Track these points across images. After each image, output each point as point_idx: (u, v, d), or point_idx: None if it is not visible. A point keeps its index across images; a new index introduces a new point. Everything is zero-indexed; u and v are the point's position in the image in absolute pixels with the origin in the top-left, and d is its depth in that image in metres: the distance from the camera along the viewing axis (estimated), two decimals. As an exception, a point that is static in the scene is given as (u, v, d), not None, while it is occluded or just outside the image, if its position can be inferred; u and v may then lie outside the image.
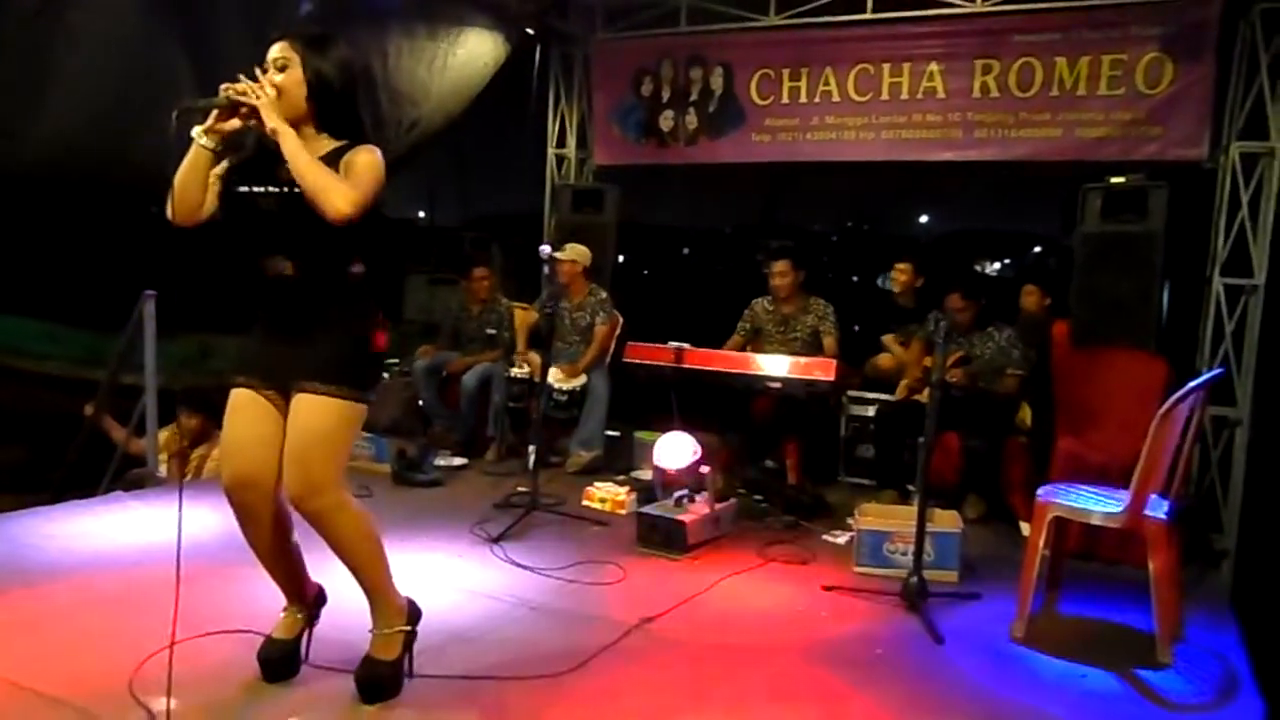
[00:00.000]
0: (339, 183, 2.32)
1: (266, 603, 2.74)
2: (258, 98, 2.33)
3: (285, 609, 2.66)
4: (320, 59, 2.43)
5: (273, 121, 2.32)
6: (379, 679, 2.54)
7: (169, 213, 2.41)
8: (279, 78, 2.39)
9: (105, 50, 4.72)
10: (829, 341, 5.22)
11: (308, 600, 2.68)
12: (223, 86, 2.34)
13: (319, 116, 2.45)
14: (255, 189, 2.41)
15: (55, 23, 4.54)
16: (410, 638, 2.63)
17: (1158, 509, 3.10)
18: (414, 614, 2.66)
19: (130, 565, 3.53)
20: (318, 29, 2.54)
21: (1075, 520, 3.26)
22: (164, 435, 5.38)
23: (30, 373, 8.35)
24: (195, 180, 2.39)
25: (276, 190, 2.39)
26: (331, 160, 2.39)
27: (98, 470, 5.27)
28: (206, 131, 2.36)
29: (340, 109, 2.47)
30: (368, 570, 2.53)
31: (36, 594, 3.21)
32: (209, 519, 4.20)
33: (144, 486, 5.03)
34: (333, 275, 2.45)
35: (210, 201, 2.44)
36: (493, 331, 6.08)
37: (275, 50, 2.42)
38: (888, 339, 5.79)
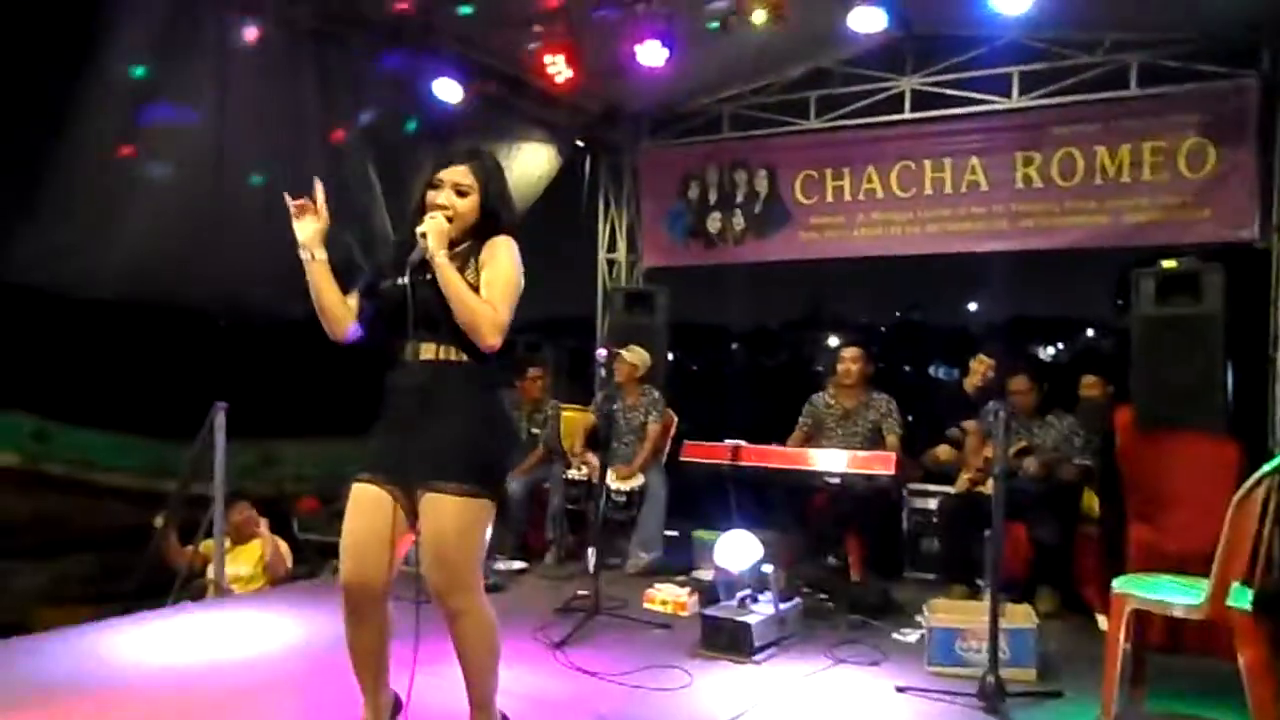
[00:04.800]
0: (485, 310, 2.41)
1: (337, 713, 2.73)
2: (433, 226, 2.44)
3: (363, 718, 2.65)
4: (497, 187, 2.58)
5: (436, 252, 2.42)
6: None
7: (329, 334, 2.53)
8: (460, 202, 2.51)
9: (175, 176, 4.98)
10: (892, 439, 5.17)
11: (385, 707, 2.67)
12: (419, 229, 2.45)
13: (479, 229, 2.57)
14: (419, 277, 2.45)
15: (128, 153, 4.82)
16: None
17: (1241, 599, 2.99)
18: None
19: (197, 678, 3.54)
20: (490, 154, 2.66)
21: (1156, 612, 3.15)
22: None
23: (101, 485, 8.58)
24: (334, 296, 2.53)
25: (430, 278, 2.44)
26: (471, 254, 2.51)
27: (167, 581, 5.34)
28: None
29: (497, 220, 2.59)
30: (480, 681, 2.56)
31: (103, 706, 3.22)
32: (276, 627, 4.27)
33: (209, 597, 5.09)
34: (477, 363, 2.48)
35: (349, 311, 2.55)
36: (536, 431, 6.12)
37: (457, 174, 2.53)
38: (969, 426, 5.50)
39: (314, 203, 2.52)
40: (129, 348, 8.44)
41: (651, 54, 5.54)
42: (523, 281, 2.52)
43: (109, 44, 4.59)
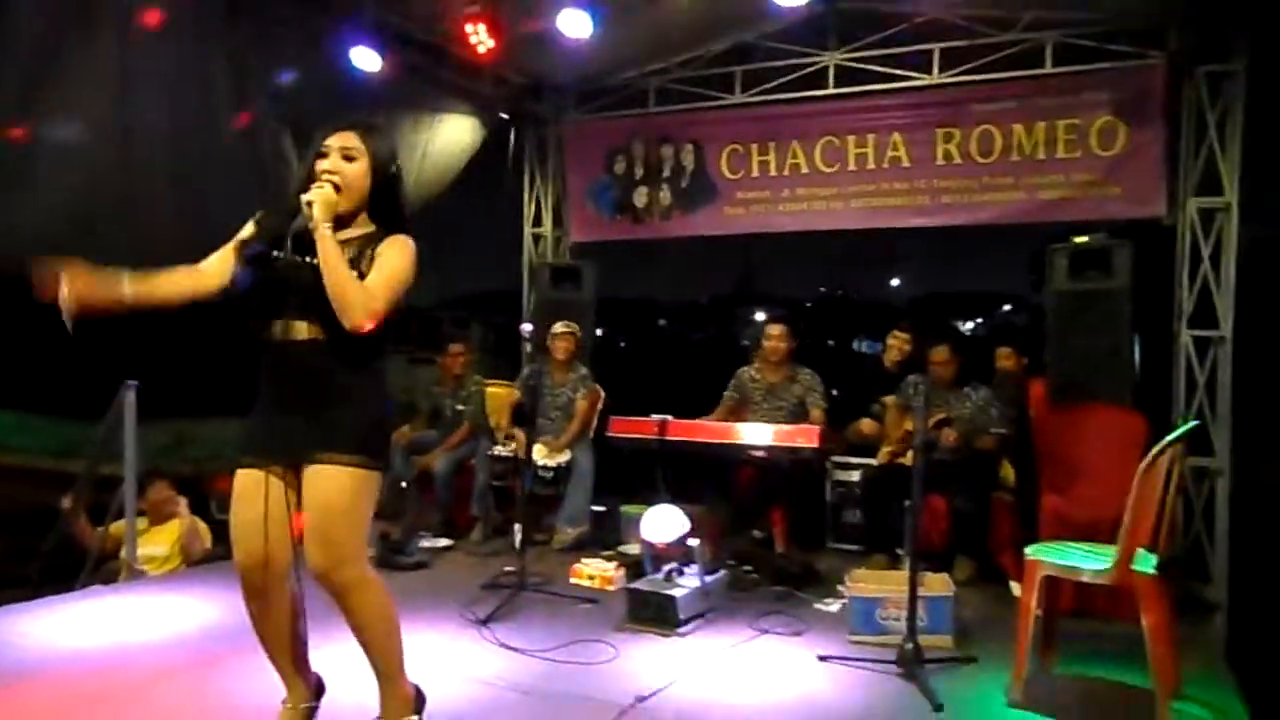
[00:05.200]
0: (361, 294, 2.33)
1: (258, 698, 2.68)
2: (319, 195, 2.34)
3: (284, 703, 2.59)
4: (384, 152, 2.48)
5: (320, 221, 2.32)
6: None
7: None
8: (347, 167, 2.42)
9: (79, 145, 4.77)
10: (816, 413, 5.24)
11: (308, 690, 2.62)
12: (305, 198, 2.35)
13: (374, 206, 2.49)
14: (296, 257, 2.35)
15: (37, 112, 4.60)
16: None
17: (1146, 563, 3.11)
18: (420, 702, 2.62)
19: (110, 662, 3.44)
20: (378, 119, 2.58)
21: (1066, 578, 3.26)
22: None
23: (3, 466, 8.22)
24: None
25: (313, 262, 2.34)
26: (366, 244, 2.43)
27: (75, 564, 5.16)
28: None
29: (394, 200, 2.52)
30: (383, 652, 2.50)
31: (13, 694, 3.11)
32: (193, 609, 4.16)
33: (121, 579, 4.93)
34: (357, 341, 2.39)
35: (225, 270, 2.43)
36: (461, 408, 6.06)
37: (341, 139, 2.44)
38: (889, 401, 5.54)
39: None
40: (29, 323, 8.08)
41: (575, 24, 5.47)
42: (410, 281, 2.44)
43: (10, 7, 4.35)
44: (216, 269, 2.45)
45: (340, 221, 2.41)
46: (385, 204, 2.51)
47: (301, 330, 2.39)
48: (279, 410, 2.43)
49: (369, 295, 2.34)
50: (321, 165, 2.42)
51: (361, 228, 2.49)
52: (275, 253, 2.38)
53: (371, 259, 2.40)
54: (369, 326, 2.32)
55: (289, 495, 2.42)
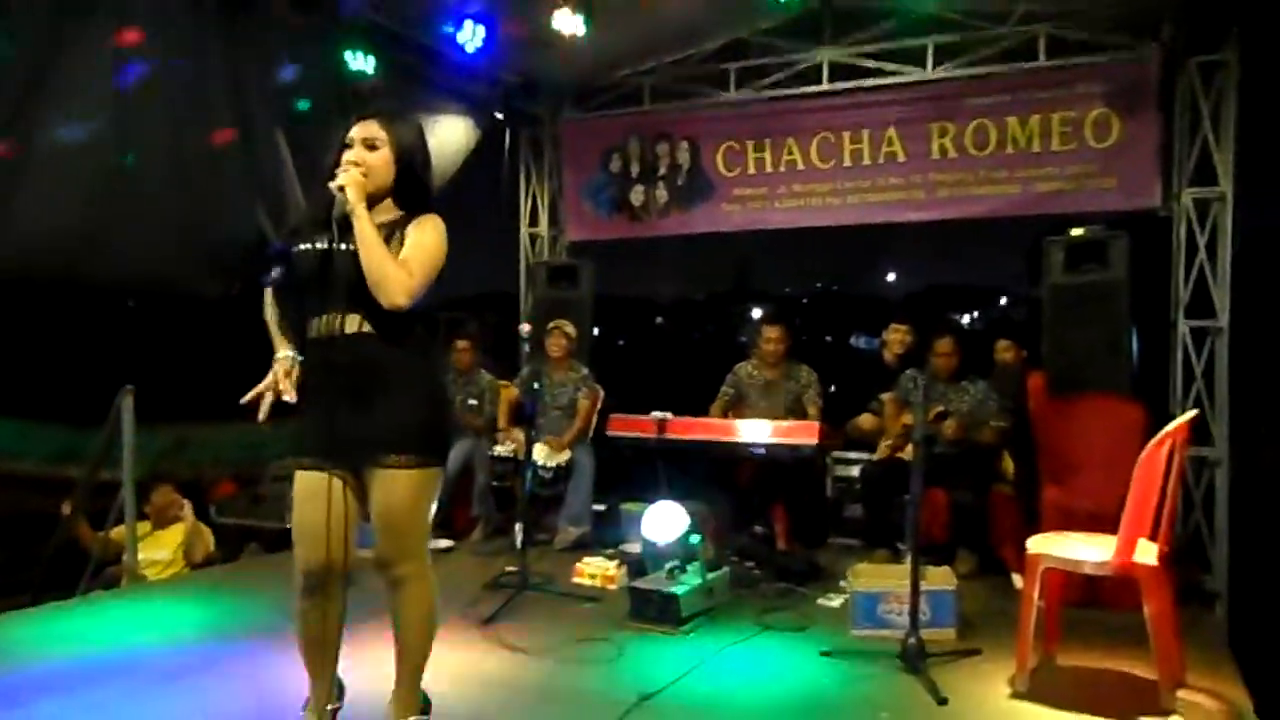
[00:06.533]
0: (398, 271, 2.35)
1: (265, 701, 2.68)
2: (349, 178, 2.38)
3: (307, 707, 2.59)
4: (407, 138, 2.51)
5: (355, 203, 2.36)
6: None
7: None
8: (370, 156, 2.45)
9: (78, 152, 4.76)
10: (813, 410, 5.25)
11: (333, 691, 2.62)
12: (335, 183, 2.38)
13: (398, 191, 2.51)
14: (339, 246, 2.39)
15: (27, 126, 4.59)
16: None
17: (1147, 553, 3.12)
18: (426, 705, 2.64)
19: (113, 668, 3.43)
20: (400, 107, 2.61)
21: (1068, 569, 3.27)
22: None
23: (1, 473, 8.21)
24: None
25: (351, 248, 2.38)
26: (395, 227, 2.45)
27: (76, 570, 5.15)
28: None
29: (419, 184, 2.54)
30: (416, 652, 2.56)
31: (16, 701, 3.10)
32: (196, 613, 4.16)
33: (122, 584, 4.93)
34: (405, 331, 2.43)
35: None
36: (474, 402, 6.05)
37: (363, 129, 2.48)
38: (887, 398, 5.53)
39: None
40: (27, 329, 8.06)
41: (569, 24, 5.47)
42: (444, 261, 2.47)
43: (4, 19, 4.34)
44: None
45: (367, 206, 2.43)
46: (410, 189, 2.53)
47: (349, 324, 2.41)
48: (333, 409, 2.42)
49: (406, 272, 2.36)
50: (347, 156, 2.45)
51: (388, 213, 2.51)
52: (313, 243, 2.42)
53: (402, 240, 2.43)
54: (405, 303, 2.34)
55: (350, 496, 2.46)
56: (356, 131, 2.48)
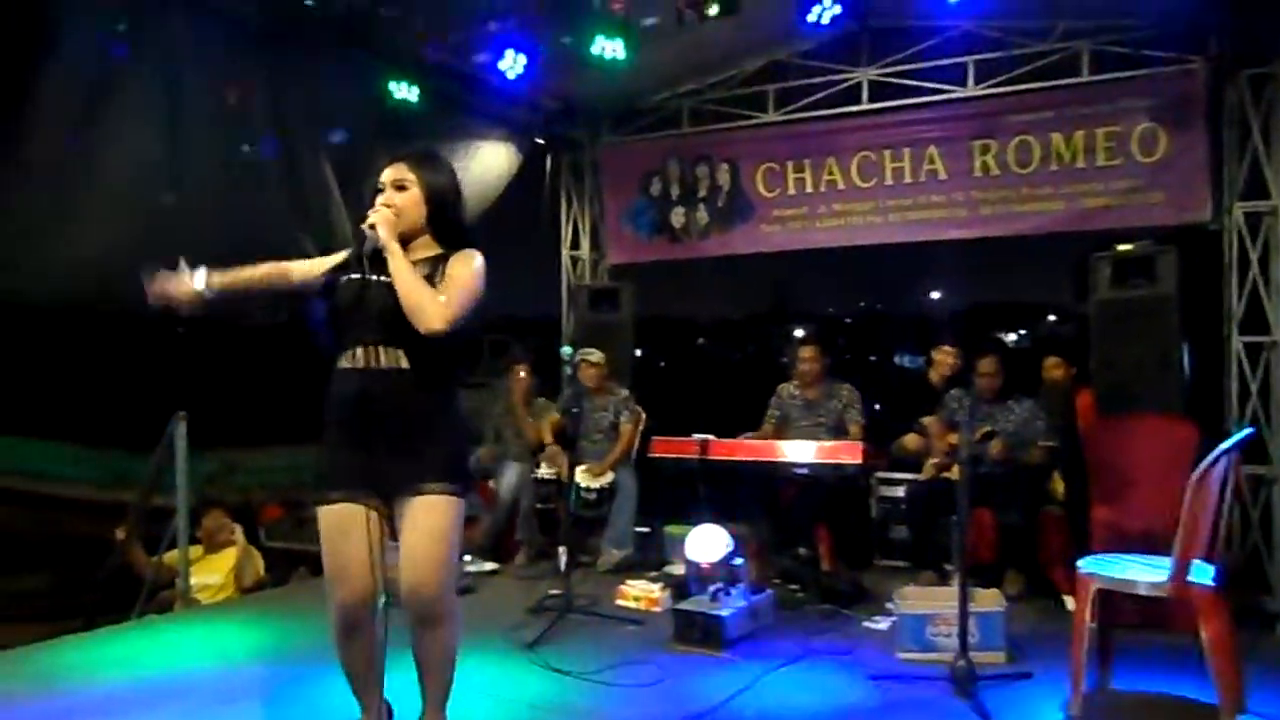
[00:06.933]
0: (434, 300, 2.40)
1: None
2: (379, 216, 2.46)
3: None
4: (436, 178, 2.58)
5: (387, 240, 2.43)
6: None
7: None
8: (400, 197, 2.52)
9: (128, 181, 4.89)
10: (855, 429, 5.21)
11: (380, 717, 2.65)
12: (366, 222, 2.46)
13: (435, 229, 2.58)
14: (373, 276, 2.46)
15: (77, 158, 4.73)
16: None
17: (1203, 575, 3.05)
18: None
19: (168, 691, 3.49)
20: (429, 150, 2.68)
21: (1121, 591, 3.20)
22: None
23: (56, 497, 8.39)
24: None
25: (387, 280, 2.44)
26: (436, 263, 2.50)
27: (130, 594, 5.25)
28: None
29: (453, 221, 2.60)
30: (443, 682, 2.57)
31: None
32: (248, 637, 4.22)
33: (175, 608, 5.01)
34: (439, 368, 2.50)
35: (309, 272, 2.63)
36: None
37: (393, 172, 2.55)
38: (929, 421, 5.44)
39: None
40: (80, 356, 8.26)
41: (610, 49, 5.52)
42: (482, 290, 2.50)
43: (56, 44, 4.49)
44: (301, 268, 2.64)
45: (403, 245, 2.49)
46: (445, 226, 2.59)
47: (384, 358, 2.46)
48: (363, 441, 2.45)
49: (444, 304, 2.41)
50: (379, 199, 2.53)
51: (428, 249, 2.58)
52: (352, 275, 2.50)
53: (443, 275, 2.48)
54: (442, 328, 2.38)
55: (380, 528, 2.49)
56: (387, 175, 2.56)
